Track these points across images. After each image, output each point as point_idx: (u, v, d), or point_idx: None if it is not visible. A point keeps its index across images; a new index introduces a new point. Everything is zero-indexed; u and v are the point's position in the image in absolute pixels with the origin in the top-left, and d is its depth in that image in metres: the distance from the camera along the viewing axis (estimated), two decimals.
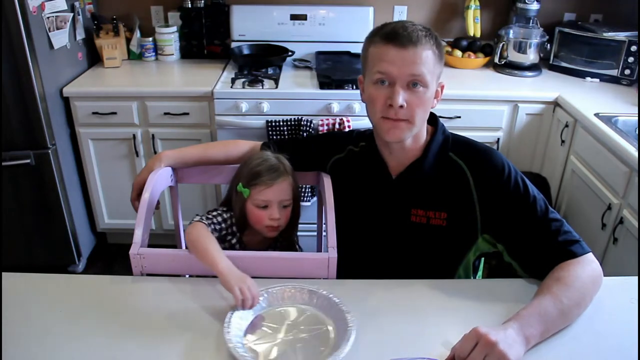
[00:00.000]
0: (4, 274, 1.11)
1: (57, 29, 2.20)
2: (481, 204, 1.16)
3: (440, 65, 1.14)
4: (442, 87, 1.18)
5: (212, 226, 1.26)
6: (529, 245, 1.12)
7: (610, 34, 2.46)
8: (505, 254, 1.17)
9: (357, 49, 2.65)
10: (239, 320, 1.00)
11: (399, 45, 1.07)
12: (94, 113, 2.28)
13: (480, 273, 1.43)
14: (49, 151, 2.17)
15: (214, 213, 1.29)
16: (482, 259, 1.44)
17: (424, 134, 1.21)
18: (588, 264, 1.06)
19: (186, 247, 1.18)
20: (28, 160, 2.15)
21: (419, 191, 1.20)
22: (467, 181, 1.17)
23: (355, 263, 1.22)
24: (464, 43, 2.71)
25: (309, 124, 2.19)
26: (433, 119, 1.23)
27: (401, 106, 1.09)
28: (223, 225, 1.29)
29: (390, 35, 1.09)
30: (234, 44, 2.64)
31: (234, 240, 1.31)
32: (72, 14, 2.32)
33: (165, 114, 2.29)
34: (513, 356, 0.88)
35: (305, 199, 2.32)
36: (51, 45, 2.17)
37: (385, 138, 1.15)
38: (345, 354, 0.90)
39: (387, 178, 1.23)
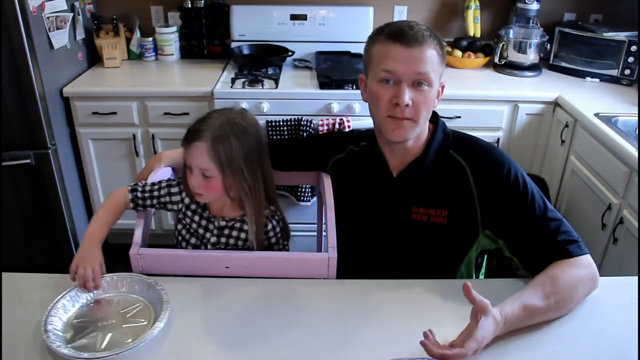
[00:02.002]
0: (4, 274, 1.11)
1: (57, 29, 2.20)
2: (481, 200, 1.17)
3: (442, 65, 1.14)
4: (443, 87, 1.19)
5: (135, 194, 1.23)
6: (528, 243, 1.12)
7: (610, 34, 2.46)
8: (505, 249, 1.18)
9: (357, 49, 2.67)
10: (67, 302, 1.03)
11: (406, 44, 1.08)
12: (94, 113, 2.28)
13: (483, 270, 1.43)
14: (49, 151, 2.17)
15: (155, 182, 1.26)
16: (485, 256, 1.44)
17: (425, 132, 1.21)
18: (584, 266, 1.07)
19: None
20: (28, 160, 2.15)
21: (420, 189, 1.21)
22: (467, 178, 1.17)
23: (356, 262, 1.22)
24: (464, 43, 2.71)
25: (309, 124, 2.19)
26: (434, 117, 1.23)
27: (407, 105, 1.09)
28: (159, 192, 1.24)
29: (396, 33, 1.09)
30: (234, 44, 2.64)
31: (180, 206, 1.25)
32: (72, 14, 2.32)
33: (165, 114, 2.29)
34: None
35: (305, 199, 2.32)
36: (51, 45, 2.16)
37: (390, 138, 1.15)
38: (161, 328, 0.96)
39: (388, 176, 1.24)
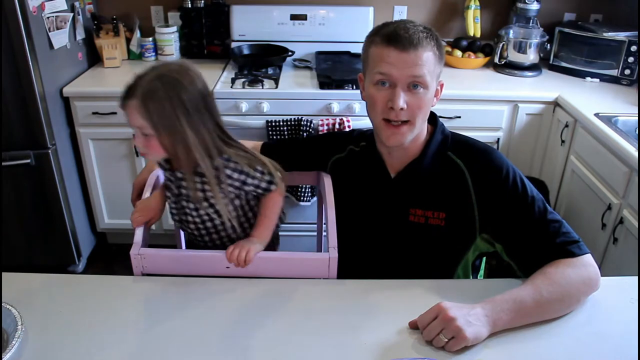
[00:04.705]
0: (4, 274, 1.11)
1: (57, 29, 2.20)
2: (479, 203, 1.16)
3: (440, 65, 1.14)
4: (442, 86, 1.18)
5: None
6: (526, 246, 1.11)
7: (610, 34, 2.46)
8: (503, 254, 1.17)
9: (357, 49, 2.67)
10: None
11: (400, 48, 1.07)
12: (94, 113, 2.28)
13: (481, 272, 1.43)
14: (49, 151, 2.17)
15: None
16: (484, 258, 1.43)
17: (423, 134, 1.21)
18: (582, 266, 1.06)
19: (186, 247, 1.17)
20: (28, 160, 2.15)
21: (418, 191, 1.21)
22: (465, 181, 1.17)
23: (354, 263, 1.22)
24: (464, 43, 2.71)
25: (309, 124, 2.19)
26: (432, 118, 1.23)
27: (402, 108, 1.09)
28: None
29: (391, 36, 1.08)
30: (234, 44, 2.64)
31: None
32: (72, 14, 2.32)
33: None
34: (470, 334, 0.91)
35: (305, 199, 2.32)
36: (51, 45, 2.16)
37: (386, 143, 1.16)
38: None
39: (386, 177, 1.24)
